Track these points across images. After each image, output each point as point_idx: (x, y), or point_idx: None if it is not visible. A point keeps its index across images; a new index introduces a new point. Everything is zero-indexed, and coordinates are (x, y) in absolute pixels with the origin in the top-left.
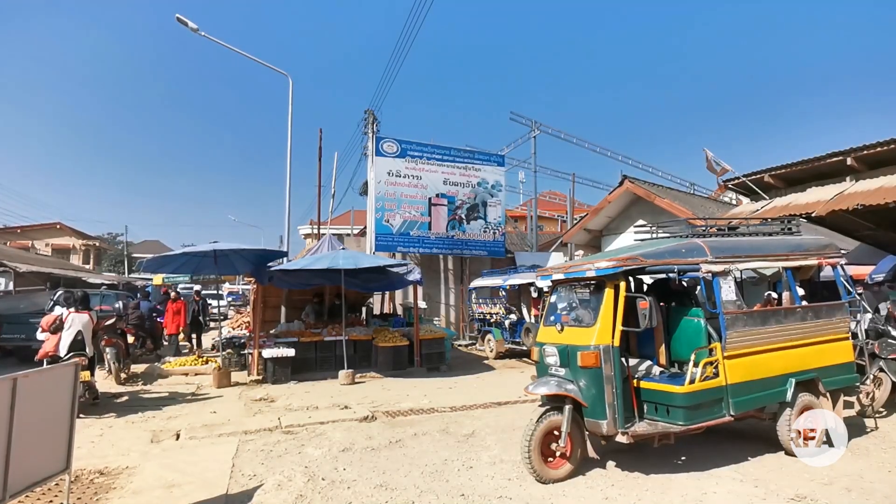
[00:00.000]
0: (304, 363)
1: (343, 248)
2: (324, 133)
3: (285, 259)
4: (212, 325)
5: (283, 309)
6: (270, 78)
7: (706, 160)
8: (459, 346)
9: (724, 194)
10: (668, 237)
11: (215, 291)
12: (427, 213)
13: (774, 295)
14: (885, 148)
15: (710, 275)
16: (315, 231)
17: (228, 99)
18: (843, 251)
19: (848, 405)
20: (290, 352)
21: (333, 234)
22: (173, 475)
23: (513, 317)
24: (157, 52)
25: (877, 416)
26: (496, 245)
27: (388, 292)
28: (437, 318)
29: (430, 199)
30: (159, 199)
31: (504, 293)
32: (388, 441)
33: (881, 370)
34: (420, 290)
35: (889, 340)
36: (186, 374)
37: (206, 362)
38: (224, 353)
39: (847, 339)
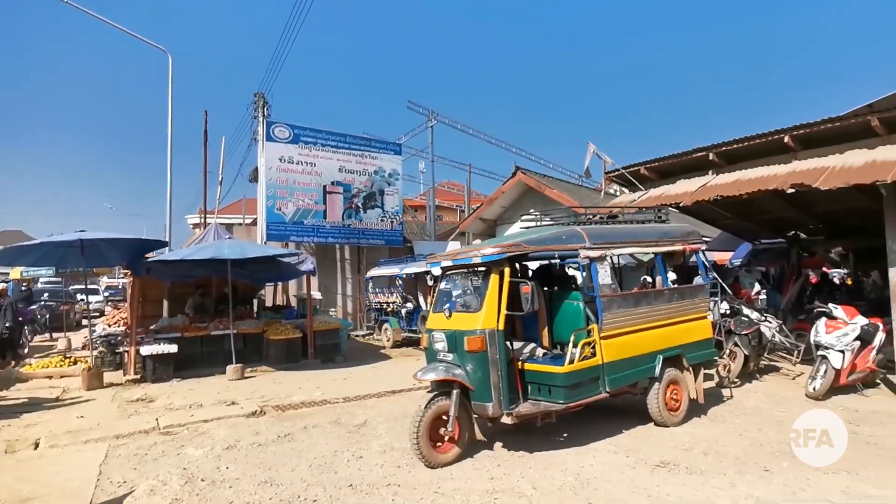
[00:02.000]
0: (189, 359)
1: (229, 238)
2: (211, 117)
3: (167, 249)
4: (84, 322)
5: (165, 303)
6: (149, 55)
7: (588, 153)
8: (356, 336)
9: (610, 186)
10: (552, 225)
11: (84, 287)
12: (322, 202)
13: (650, 279)
14: (741, 145)
15: (587, 260)
16: (204, 220)
17: (103, 75)
18: (706, 238)
19: (708, 377)
20: (172, 348)
21: (224, 224)
22: (30, 488)
23: (409, 305)
24: (22, 22)
25: (732, 386)
26: (394, 234)
27: (280, 283)
28: (333, 309)
29: (324, 186)
30: (23, 184)
31: (401, 282)
32: (276, 436)
33: (735, 345)
34: (315, 280)
35: (742, 318)
36: (51, 377)
37: (75, 362)
38: (96, 351)
39: (707, 318)
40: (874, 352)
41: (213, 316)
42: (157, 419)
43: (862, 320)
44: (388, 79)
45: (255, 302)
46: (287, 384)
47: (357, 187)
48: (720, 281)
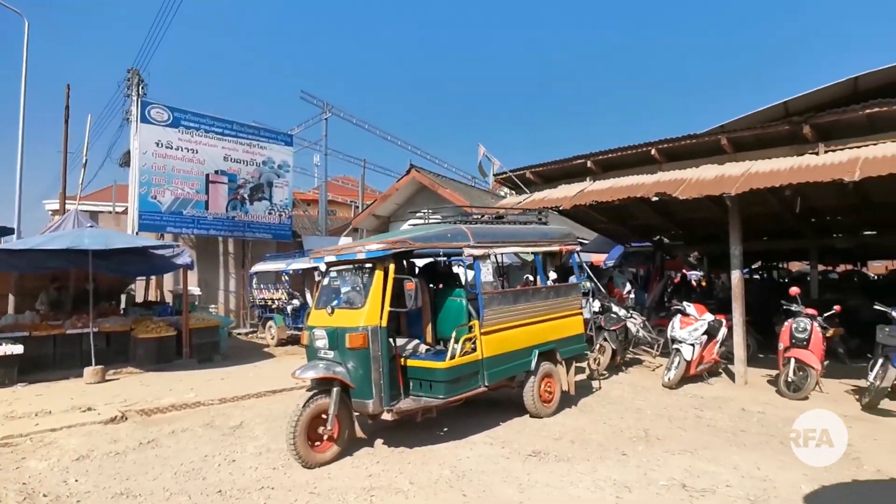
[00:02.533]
0: (39, 361)
1: (91, 226)
2: (76, 93)
3: (14, 237)
4: None
5: (10, 298)
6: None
7: (479, 155)
8: (239, 334)
9: (501, 188)
10: (439, 223)
11: None
12: (204, 191)
13: (532, 278)
14: (615, 154)
15: (471, 258)
16: (62, 206)
17: None
18: (583, 240)
19: (579, 370)
20: (17, 349)
21: (89, 211)
22: None
23: (296, 302)
24: None
25: (601, 378)
26: (282, 228)
27: (154, 278)
28: (213, 306)
29: (207, 175)
30: None
31: (287, 278)
32: (137, 443)
33: (605, 340)
34: (193, 274)
35: (611, 315)
36: None
37: None
38: None
39: (580, 314)
40: (718, 345)
41: (70, 312)
42: None
43: (709, 317)
44: (283, 69)
45: (124, 297)
46: (156, 386)
47: (243, 178)
48: (594, 280)
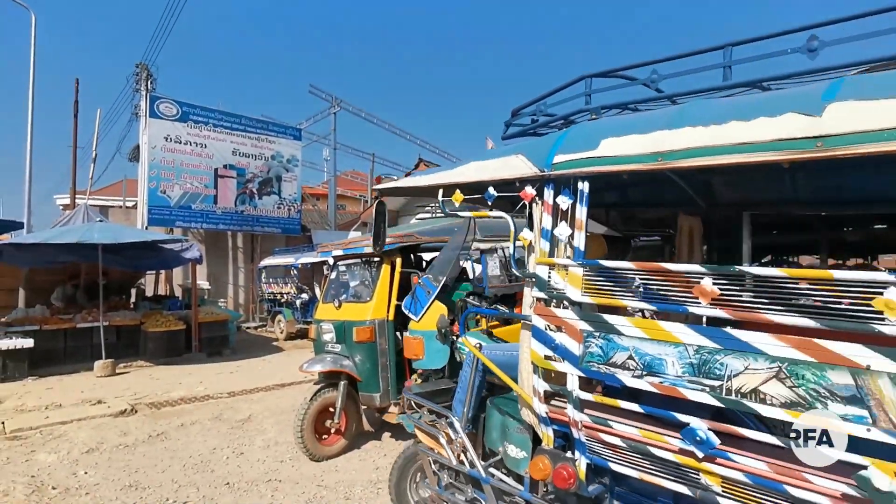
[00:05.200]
0: (50, 355)
1: (101, 221)
2: (86, 88)
3: (24, 231)
4: None
5: (21, 291)
6: (8, 10)
7: (487, 148)
8: (248, 328)
9: None
10: (446, 217)
11: None
12: (213, 186)
13: None
14: None
15: (478, 252)
16: (72, 200)
17: None
18: (594, 234)
19: None
20: (28, 342)
21: (100, 206)
22: None
23: (304, 296)
24: None
25: None
26: (291, 222)
27: (163, 272)
28: (222, 300)
29: (216, 169)
30: None
31: (296, 272)
32: (147, 435)
33: None
34: (203, 268)
35: None
36: None
37: None
38: None
39: None
40: None
41: (81, 306)
42: (2, 423)
43: None
44: (291, 62)
45: (134, 292)
46: (166, 380)
47: (252, 172)
48: None
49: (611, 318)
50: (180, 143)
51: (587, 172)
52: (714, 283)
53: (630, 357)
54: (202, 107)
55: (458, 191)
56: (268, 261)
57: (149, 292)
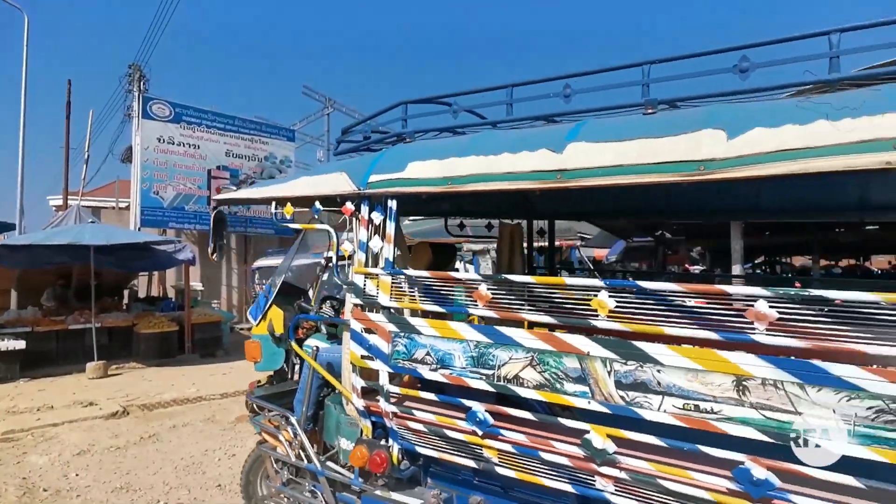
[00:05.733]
0: (42, 357)
1: (93, 222)
2: (78, 89)
3: (16, 232)
4: None
5: (12, 293)
6: (1, 13)
7: None
8: (241, 329)
9: None
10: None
11: None
12: (206, 187)
13: None
14: None
15: (470, 254)
16: (65, 201)
17: None
18: (586, 235)
19: None
20: (19, 344)
21: (93, 207)
22: None
23: None
24: None
25: None
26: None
27: (157, 273)
28: (215, 301)
29: (209, 171)
30: None
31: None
32: (138, 437)
33: None
34: (196, 270)
35: None
36: None
37: None
38: None
39: None
40: None
41: (73, 308)
42: None
43: None
44: (284, 63)
45: (126, 293)
46: (158, 381)
47: (245, 173)
48: (597, 274)
49: (412, 320)
50: (173, 144)
51: (395, 192)
52: (488, 289)
53: (427, 353)
54: (195, 107)
55: (289, 203)
56: (261, 262)
57: (142, 294)
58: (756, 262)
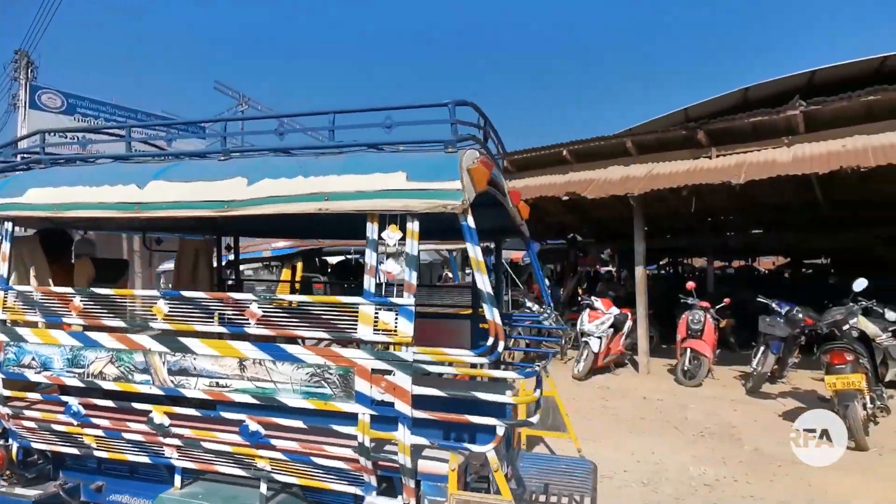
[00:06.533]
0: None
1: None
2: None
3: None
4: None
5: None
6: None
7: None
8: None
9: None
10: None
11: None
12: None
13: (450, 275)
14: (528, 155)
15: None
16: None
17: None
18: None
19: None
20: None
21: None
22: None
23: None
24: None
25: None
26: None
27: None
28: None
29: None
30: None
31: None
32: None
33: (518, 334)
34: None
35: (524, 310)
36: None
37: None
38: None
39: None
40: (623, 337)
41: None
42: None
43: (615, 310)
44: (198, 56)
45: None
46: None
47: None
48: (513, 275)
49: (20, 330)
50: (65, 137)
51: (11, 216)
52: (80, 301)
53: (33, 358)
54: (91, 99)
55: None
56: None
57: None
58: (661, 262)
